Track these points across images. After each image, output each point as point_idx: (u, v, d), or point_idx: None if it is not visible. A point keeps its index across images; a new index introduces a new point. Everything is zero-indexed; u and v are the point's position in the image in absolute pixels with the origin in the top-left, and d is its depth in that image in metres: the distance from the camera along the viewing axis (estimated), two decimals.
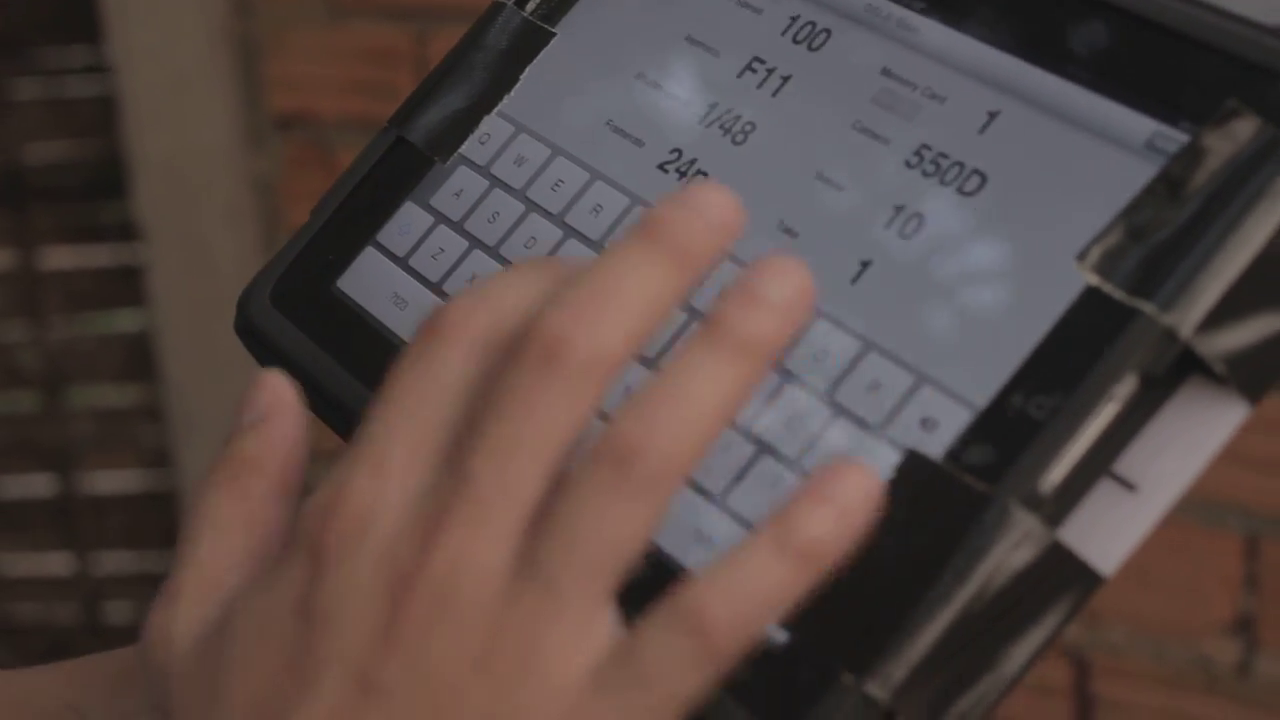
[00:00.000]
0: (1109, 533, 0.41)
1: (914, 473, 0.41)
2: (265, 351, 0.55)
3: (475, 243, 0.52)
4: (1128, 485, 0.41)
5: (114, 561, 1.62)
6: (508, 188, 0.53)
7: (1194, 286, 0.40)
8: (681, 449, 0.36)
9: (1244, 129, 0.42)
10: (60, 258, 1.55)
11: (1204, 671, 1.22)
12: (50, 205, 1.53)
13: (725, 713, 0.40)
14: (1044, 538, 0.40)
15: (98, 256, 1.55)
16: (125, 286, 1.53)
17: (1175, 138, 0.43)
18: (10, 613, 1.65)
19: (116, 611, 1.63)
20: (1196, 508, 1.18)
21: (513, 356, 0.37)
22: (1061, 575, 0.41)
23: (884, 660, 0.39)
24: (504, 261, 0.51)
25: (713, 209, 0.37)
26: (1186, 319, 0.40)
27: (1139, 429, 0.41)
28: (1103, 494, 0.41)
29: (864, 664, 0.40)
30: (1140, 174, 0.43)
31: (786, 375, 0.45)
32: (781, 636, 0.40)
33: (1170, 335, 0.40)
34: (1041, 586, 0.40)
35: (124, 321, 1.57)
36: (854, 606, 0.40)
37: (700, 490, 0.44)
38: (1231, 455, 1.31)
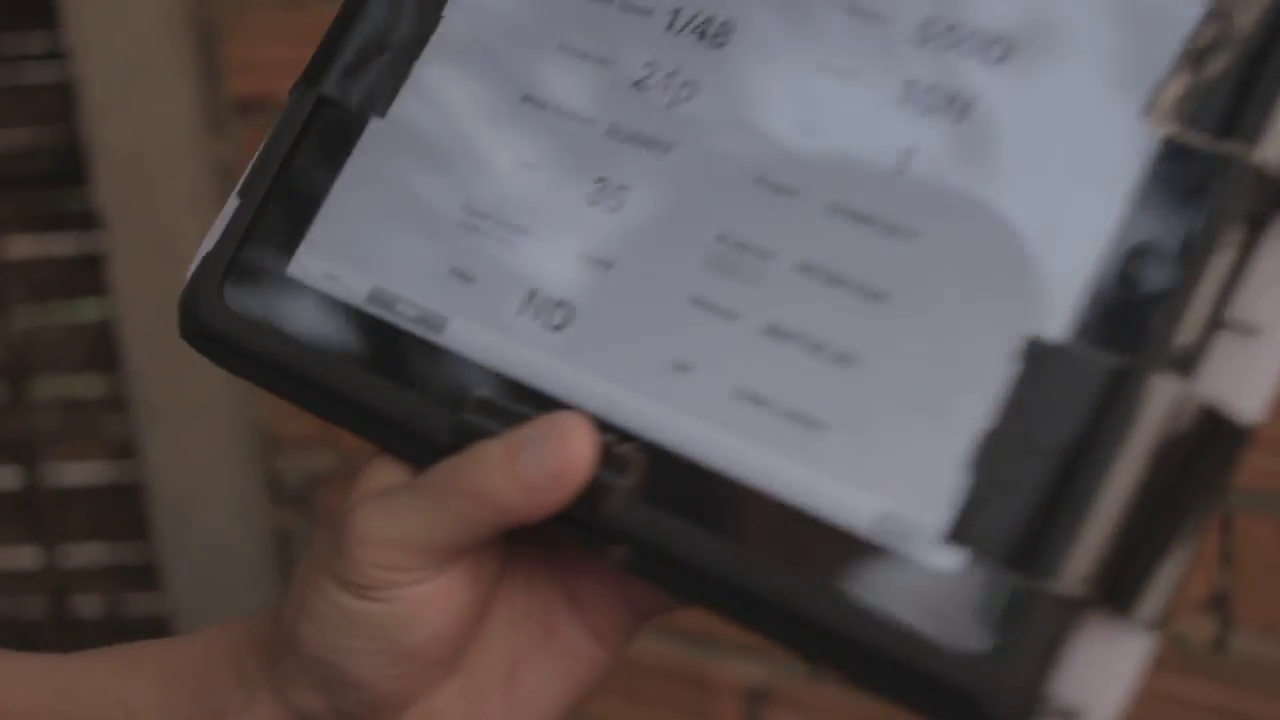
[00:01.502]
0: (1245, 381, 0.40)
1: (1041, 360, 0.40)
2: (227, 353, 0.51)
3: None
4: (1250, 330, 0.41)
5: (81, 554, 1.61)
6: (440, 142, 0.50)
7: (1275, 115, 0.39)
8: None
9: None
10: (21, 247, 1.53)
11: (1179, 649, 1.21)
12: (10, 193, 1.51)
13: (910, 648, 0.39)
14: (1188, 399, 0.39)
15: (60, 245, 1.53)
16: (88, 275, 1.51)
17: None
18: None
19: (85, 605, 1.62)
20: None
21: None
22: (1210, 432, 0.40)
23: (1065, 556, 0.39)
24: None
25: None
26: (1275, 151, 0.39)
27: (1247, 271, 0.40)
28: (1229, 344, 0.40)
29: (1045, 565, 0.39)
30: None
31: None
32: (951, 559, 0.40)
33: (1261, 174, 0.39)
34: (1194, 448, 0.40)
35: (87, 311, 1.55)
36: (1019, 509, 0.39)
37: None
38: None
